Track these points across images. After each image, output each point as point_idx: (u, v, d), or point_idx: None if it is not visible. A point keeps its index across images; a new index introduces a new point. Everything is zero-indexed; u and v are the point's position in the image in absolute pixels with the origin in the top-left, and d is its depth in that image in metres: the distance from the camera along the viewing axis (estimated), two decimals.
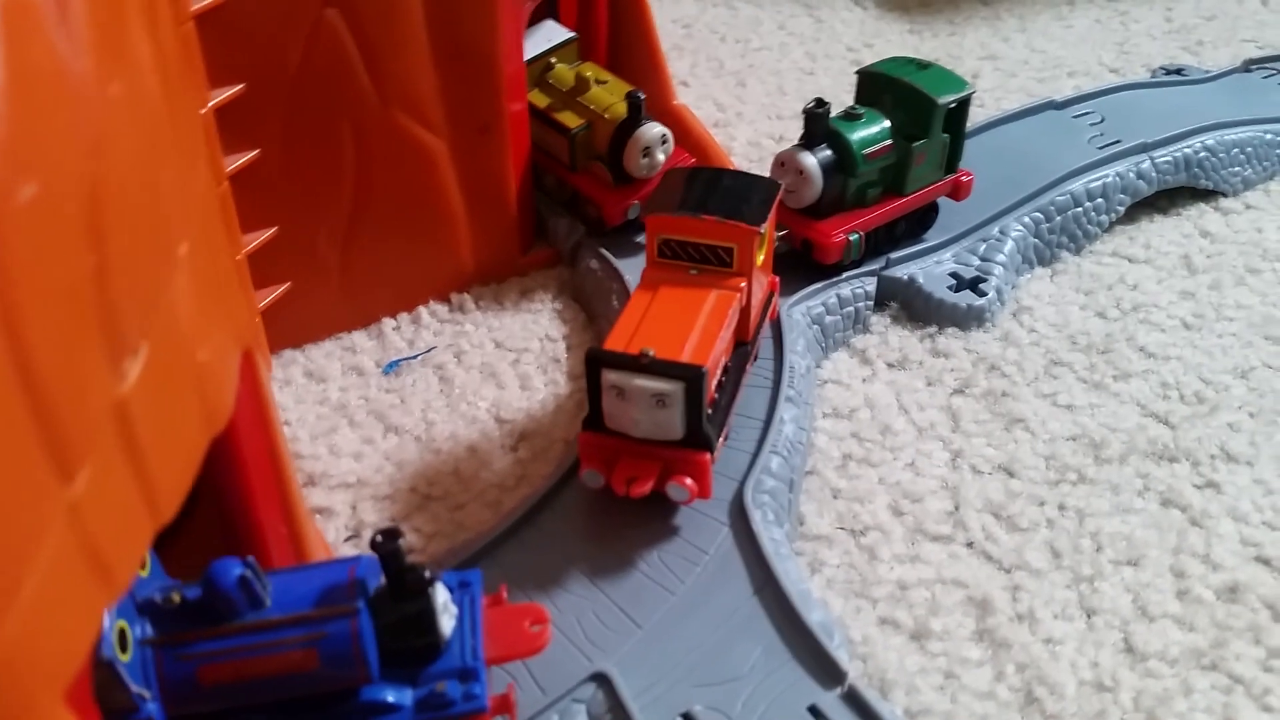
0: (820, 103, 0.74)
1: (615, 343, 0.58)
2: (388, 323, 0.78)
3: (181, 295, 0.37)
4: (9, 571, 0.28)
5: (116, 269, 0.32)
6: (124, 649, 0.41)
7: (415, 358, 0.75)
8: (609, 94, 0.81)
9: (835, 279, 0.77)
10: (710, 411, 0.58)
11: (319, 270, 0.74)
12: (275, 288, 0.72)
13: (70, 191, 0.30)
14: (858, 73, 0.80)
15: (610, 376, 0.55)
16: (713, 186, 0.64)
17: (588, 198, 0.82)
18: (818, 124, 0.74)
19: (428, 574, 0.44)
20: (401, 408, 0.71)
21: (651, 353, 0.55)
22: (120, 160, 0.33)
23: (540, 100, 0.83)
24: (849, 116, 0.76)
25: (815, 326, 0.75)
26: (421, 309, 0.80)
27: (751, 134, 1.05)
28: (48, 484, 0.30)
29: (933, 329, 0.78)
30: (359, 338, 0.78)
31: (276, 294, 0.72)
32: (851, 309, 0.77)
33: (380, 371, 0.74)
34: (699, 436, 0.56)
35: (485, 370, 0.74)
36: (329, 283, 0.75)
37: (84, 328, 0.31)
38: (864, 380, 0.74)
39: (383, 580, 0.45)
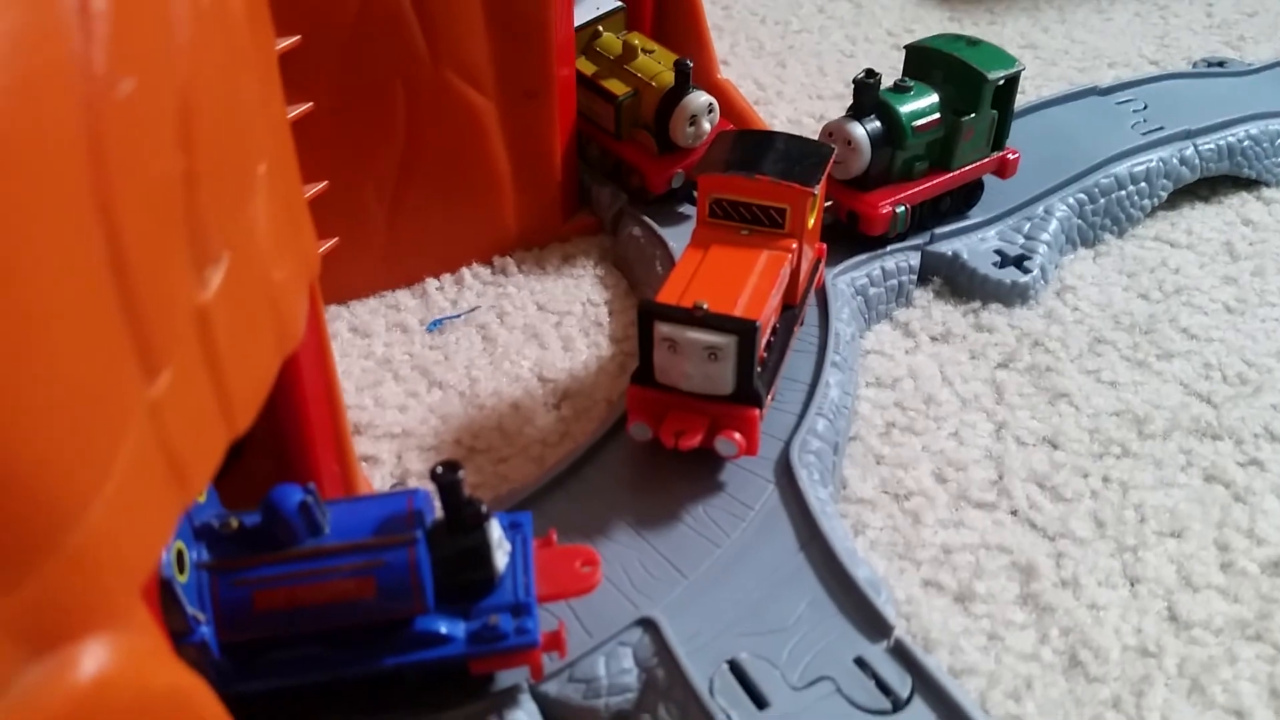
0: (871, 73, 0.74)
1: (667, 297, 0.58)
2: (431, 283, 0.79)
3: (260, 213, 0.38)
4: (96, 463, 0.29)
5: (204, 175, 0.33)
6: (181, 571, 0.42)
7: (459, 317, 0.75)
8: (656, 62, 0.82)
9: (880, 251, 0.77)
10: (760, 369, 0.58)
11: (366, 227, 0.75)
12: (323, 242, 0.72)
13: (165, 91, 0.31)
14: (906, 47, 0.80)
15: (663, 329, 0.56)
16: (766, 147, 0.64)
17: (632, 166, 0.83)
18: (868, 95, 0.74)
19: (484, 508, 0.45)
20: (445, 364, 0.72)
21: (705, 306, 0.55)
22: (209, 69, 0.33)
23: (587, 68, 0.84)
24: (898, 89, 0.76)
25: (859, 297, 0.75)
26: (464, 270, 0.80)
27: (792, 112, 1.05)
28: (133, 380, 0.30)
29: (976, 304, 0.77)
30: (403, 296, 0.78)
31: (324, 248, 0.72)
32: (895, 282, 0.77)
33: (424, 329, 0.75)
34: (749, 392, 0.57)
35: (528, 331, 0.75)
36: (375, 240, 0.76)
37: (173, 228, 0.32)
38: (907, 352, 0.74)
39: (439, 513, 0.45)
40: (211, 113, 0.33)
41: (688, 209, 0.83)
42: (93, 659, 0.29)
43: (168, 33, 0.31)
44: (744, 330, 0.54)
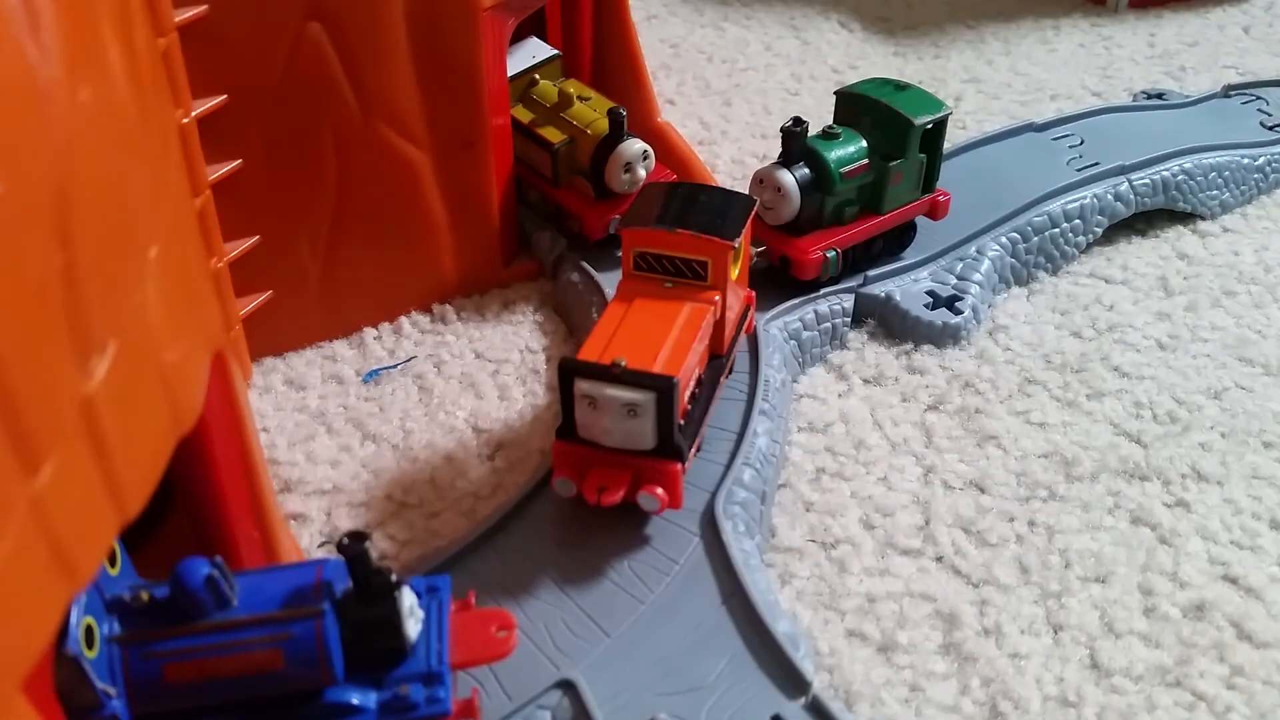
0: (798, 121, 0.75)
1: (589, 353, 0.58)
2: (369, 332, 0.79)
3: (151, 296, 0.38)
4: None
5: (85, 268, 0.33)
6: (90, 646, 0.42)
7: (395, 367, 0.76)
8: (592, 110, 0.82)
9: (813, 295, 0.78)
10: (683, 423, 0.59)
11: (300, 279, 0.75)
12: (257, 295, 0.73)
13: (38, 192, 0.31)
14: (836, 94, 0.81)
15: (582, 386, 0.56)
16: (689, 201, 0.64)
17: (570, 212, 0.83)
18: (795, 142, 0.75)
19: (394, 577, 0.45)
20: (380, 416, 0.72)
21: (624, 363, 0.56)
22: (89, 163, 0.34)
23: (524, 115, 0.84)
24: (826, 135, 0.77)
25: (792, 341, 0.75)
26: (403, 319, 0.80)
27: (735, 152, 1.05)
28: (11, 476, 0.30)
29: (909, 346, 0.78)
30: (340, 346, 0.78)
31: (258, 302, 0.72)
32: (829, 325, 0.77)
33: (360, 380, 0.75)
34: (670, 447, 0.57)
35: (464, 380, 0.75)
36: (310, 292, 0.76)
37: (51, 324, 0.32)
38: (840, 395, 0.75)
39: (350, 583, 0.45)
40: (92, 206, 0.34)
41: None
42: None
43: (42, 135, 0.31)
44: (662, 387, 0.55)
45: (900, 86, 0.79)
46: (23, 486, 0.31)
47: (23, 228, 0.30)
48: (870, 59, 1.26)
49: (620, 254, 0.82)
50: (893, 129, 0.77)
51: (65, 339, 0.32)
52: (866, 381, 0.76)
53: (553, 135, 0.82)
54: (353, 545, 0.43)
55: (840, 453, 0.70)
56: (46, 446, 0.32)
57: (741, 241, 0.64)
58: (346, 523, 0.64)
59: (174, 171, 0.42)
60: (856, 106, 0.79)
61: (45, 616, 0.33)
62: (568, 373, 0.56)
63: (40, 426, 0.31)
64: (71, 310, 0.33)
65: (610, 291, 0.78)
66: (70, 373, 0.33)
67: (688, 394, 0.60)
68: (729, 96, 1.17)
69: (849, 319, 0.79)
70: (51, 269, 0.32)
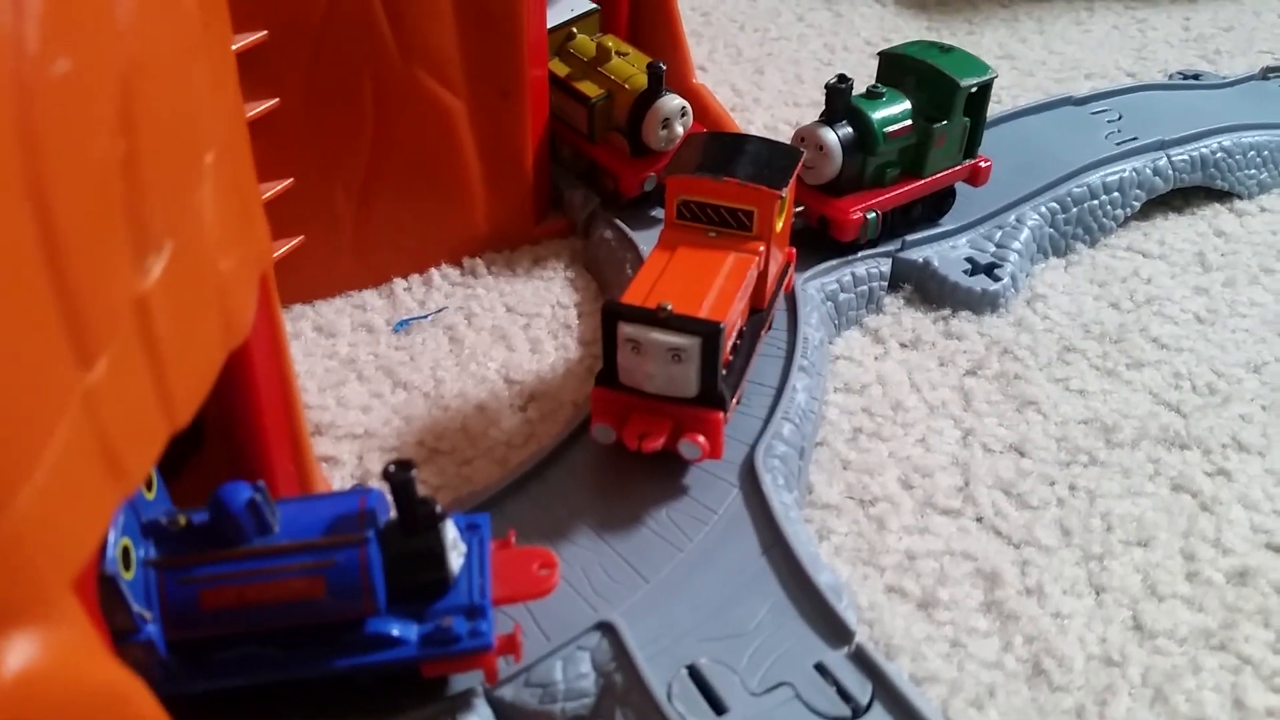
0: (843, 78, 0.74)
1: (632, 297, 0.57)
2: (399, 283, 0.78)
3: (207, 202, 0.37)
4: (25, 448, 0.28)
5: (146, 160, 0.32)
6: (127, 567, 0.41)
7: (426, 317, 0.75)
8: (630, 65, 0.81)
9: (850, 257, 0.77)
10: (725, 372, 0.58)
11: (333, 225, 0.74)
12: (288, 240, 0.72)
13: (104, 73, 0.30)
14: (880, 54, 0.80)
15: (627, 329, 0.55)
16: (735, 150, 0.63)
17: (605, 168, 0.82)
18: (840, 100, 0.74)
19: (438, 509, 0.44)
20: (411, 365, 0.71)
21: (669, 307, 0.55)
22: (154, 54, 0.33)
23: (560, 69, 0.83)
24: (871, 95, 0.76)
25: (829, 303, 0.74)
26: (433, 271, 0.79)
27: (768, 119, 1.04)
28: (66, 366, 0.29)
29: (946, 312, 0.77)
30: (369, 296, 0.77)
31: (289, 246, 0.71)
32: (865, 288, 0.76)
33: (390, 329, 0.74)
34: (713, 395, 0.56)
35: (495, 332, 0.74)
36: (342, 239, 0.75)
37: (111, 214, 0.31)
38: (876, 358, 0.74)
39: (392, 513, 0.45)
40: (155, 98, 0.33)
41: (660, 212, 0.82)
42: (18, 653, 0.28)
43: (108, 14, 0.30)
44: (708, 332, 0.54)
45: (945, 49, 0.78)
46: (77, 379, 0.30)
47: (87, 108, 0.29)
48: (903, 32, 1.25)
49: (655, 213, 0.82)
50: (938, 90, 0.75)
51: (123, 231, 0.32)
52: (903, 345, 0.75)
53: (590, 89, 0.81)
54: (399, 473, 0.43)
55: (877, 414, 0.69)
56: (102, 341, 0.31)
57: (787, 193, 0.62)
58: (378, 467, 0.63)
59: (230, 85, 0.41)
60: (900, 67, 0.78)
61: (95, 516, 0.32)
62: (612, 316, 0.55)
63: (96, 319, 0.30)
64: (131, 202, 0.32)
65: (645, 249, 0.77)
66: (127, 268, 0.32)
67: (730, 344, 0.59)
68: (761, 65, 1.16)
69: (885, 283, 0.78)
70: (113, 155, 0.31)
